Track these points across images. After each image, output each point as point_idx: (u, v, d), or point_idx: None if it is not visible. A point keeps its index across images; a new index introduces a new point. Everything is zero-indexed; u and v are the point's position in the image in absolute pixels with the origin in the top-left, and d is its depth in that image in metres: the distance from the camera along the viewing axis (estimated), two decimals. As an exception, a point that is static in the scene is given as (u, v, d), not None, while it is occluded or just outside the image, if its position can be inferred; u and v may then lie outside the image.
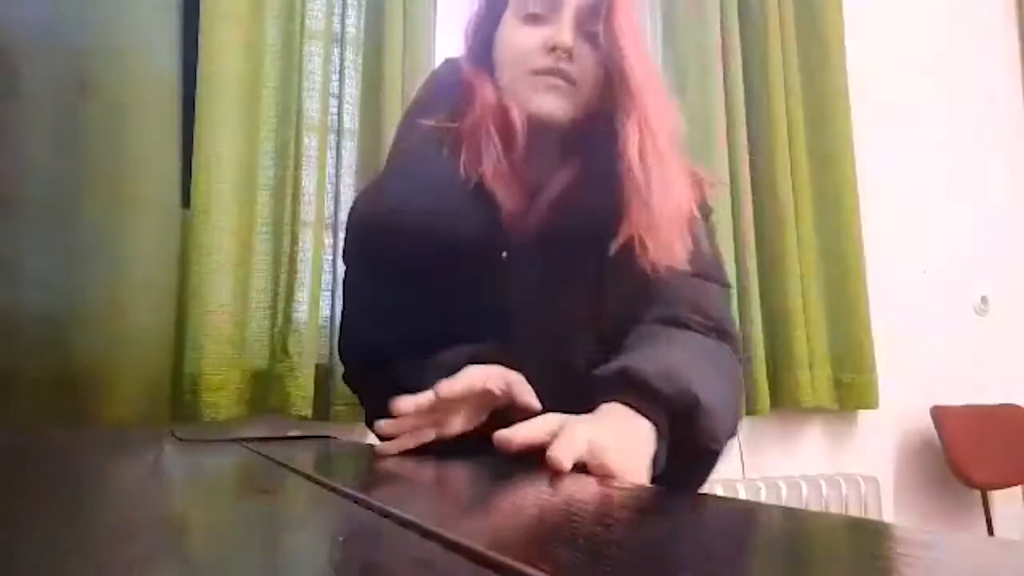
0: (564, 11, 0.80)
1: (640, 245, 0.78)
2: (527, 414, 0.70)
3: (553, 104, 0.82)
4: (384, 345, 0.82)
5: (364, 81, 1.60)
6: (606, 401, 0.70)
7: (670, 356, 0.74)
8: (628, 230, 0.78)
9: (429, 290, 0.79)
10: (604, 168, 0.80)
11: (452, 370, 0.74)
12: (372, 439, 0.85)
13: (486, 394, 0.74)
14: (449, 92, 0.86)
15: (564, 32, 0.79)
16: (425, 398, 0.71)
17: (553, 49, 0.80)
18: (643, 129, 0.78)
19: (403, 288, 0.80)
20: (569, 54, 0.80)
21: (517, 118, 0.81)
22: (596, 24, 0.80)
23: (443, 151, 0.81)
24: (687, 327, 0.81)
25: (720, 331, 0.84)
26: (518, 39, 0.83)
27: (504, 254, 0.83)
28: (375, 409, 0.80)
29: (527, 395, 0.74)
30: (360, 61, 1.61)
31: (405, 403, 0.72)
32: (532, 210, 0.84)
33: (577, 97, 0.82)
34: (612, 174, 0.79)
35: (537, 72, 0.81)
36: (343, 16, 1.61)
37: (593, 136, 0.83)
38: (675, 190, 0.79)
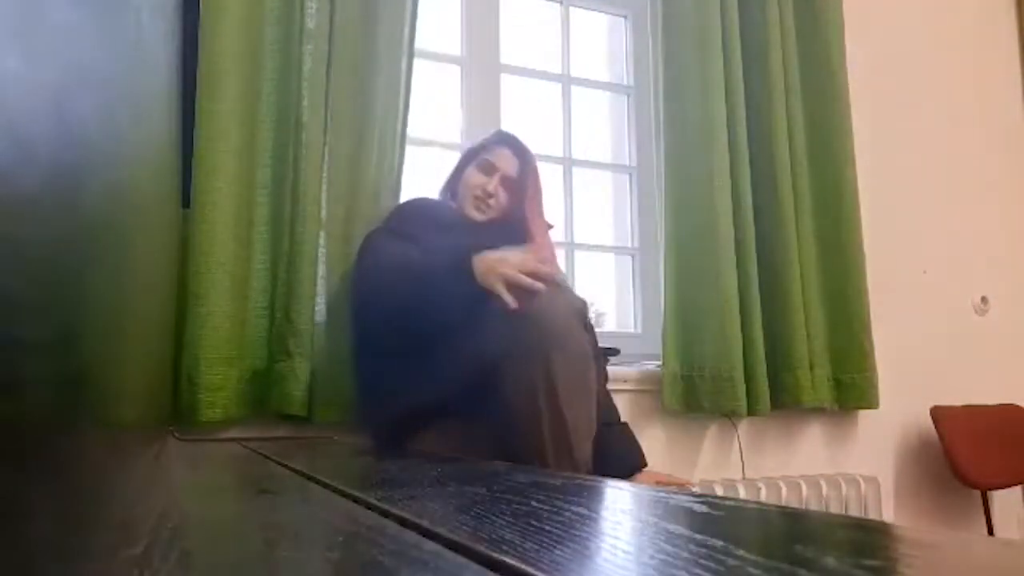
0: (496, 174, 1.54)
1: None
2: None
3: (477, 215, 1.53)
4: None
5: (350, 78, 1.60)
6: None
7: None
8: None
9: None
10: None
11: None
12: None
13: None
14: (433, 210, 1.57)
15: (492, 184, 1.53)
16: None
17: (484, 190, 1.53)
18: (539, 228, 1.54)
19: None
20: (491, 195, 1.53)
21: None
22: (510, 184, 1.54)
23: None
24: None
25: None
26: (471, 178, 1.56)
27: None
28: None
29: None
30: (348, 58, 1.61)
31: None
32: None
33: (491, 212, 1.53)
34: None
35: (474, 198, 1.54)
36: (341, 15, 1.61)
37: (504, 226, 1.52)
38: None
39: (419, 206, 1.55)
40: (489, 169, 1.54)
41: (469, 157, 1.61)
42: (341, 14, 1.61)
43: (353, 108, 1.60)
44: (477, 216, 1.53)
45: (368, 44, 1.62)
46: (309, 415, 1.45)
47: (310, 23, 1.56)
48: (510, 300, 1.15)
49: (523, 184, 1.54)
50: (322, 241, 1.53)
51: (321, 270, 1.52)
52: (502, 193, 1.54)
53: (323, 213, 1.54)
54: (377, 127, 1.60)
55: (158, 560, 0.37)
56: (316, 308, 1.50)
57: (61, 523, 0.21)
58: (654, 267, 2.01)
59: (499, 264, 1.20)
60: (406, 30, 1.67)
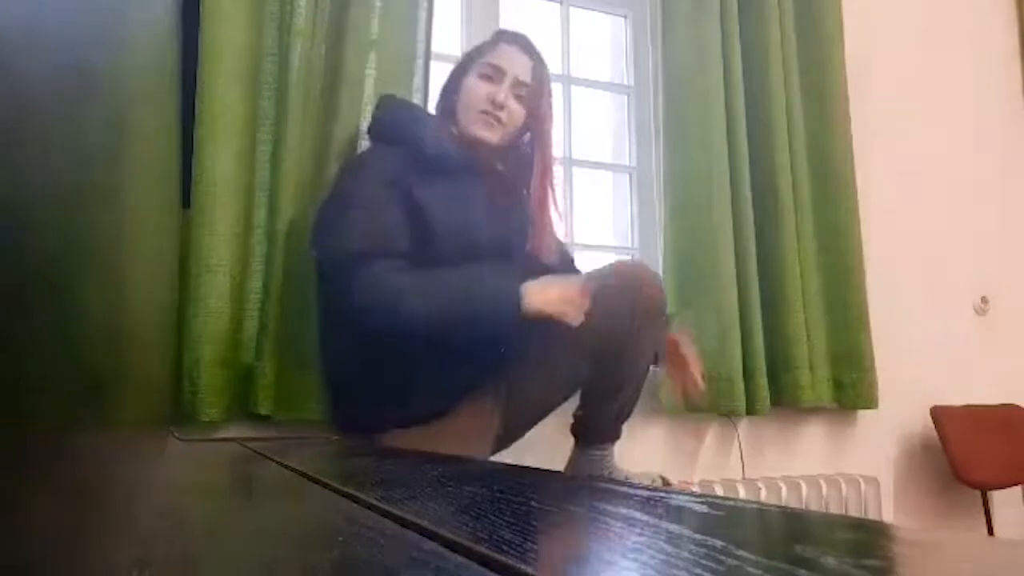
0: (506, 80, 1.30)
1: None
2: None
3: (487, 133, 1.32)
4: None
5: (352, 79, 1.60)
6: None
7: None
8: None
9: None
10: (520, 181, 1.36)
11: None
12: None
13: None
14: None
15: (502, 93, 1.29)
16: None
17: (493, 102, 1.29)
18: (544, 164, 1.35)
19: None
20: (502, 107, 1.30)
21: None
22: (522, 90, 1.31)
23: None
24: None
25: None
26: (473, 89, 1.31)
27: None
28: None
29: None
30: (350, 59, 1.61)
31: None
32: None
33: (503, 131, 1.32)
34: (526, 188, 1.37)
35: (480, 113, 1.30)
36: (341, 16, 1.61)
37: (513, 151, 1.37)
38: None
39: (400, 126, 1.31)
40: (496, 74, 1.31)
41: (466, 65, 1.36)
42: (341, 16, 1.61)
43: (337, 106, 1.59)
44: (487, 135, 1.31)
45: (371, 46, 1.61)
46: (308, 416, 1.45)
47: (309, 24, 1.56)
48: (573, 319, 1.17)
49: (540, 92, 1.31)
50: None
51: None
52: (514, 104, 1.31)
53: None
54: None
55: (158, 560, 0.37)
56: (302, 310, 1.49)
57: (61, 523, 0.21)
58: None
59: (548, 299, 1.17)
60: (421, 34, 1.67)
